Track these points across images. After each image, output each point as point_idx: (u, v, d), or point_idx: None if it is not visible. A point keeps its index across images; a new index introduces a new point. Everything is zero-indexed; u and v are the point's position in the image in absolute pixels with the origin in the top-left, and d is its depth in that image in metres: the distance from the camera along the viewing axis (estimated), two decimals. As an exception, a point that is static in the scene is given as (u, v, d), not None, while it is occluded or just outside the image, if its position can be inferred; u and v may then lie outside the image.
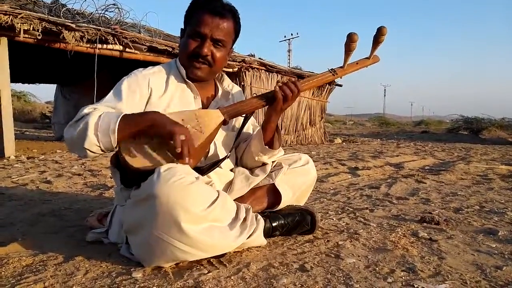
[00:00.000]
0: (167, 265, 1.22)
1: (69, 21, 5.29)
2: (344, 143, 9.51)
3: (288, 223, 1.54)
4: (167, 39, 6.70)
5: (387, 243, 1.52)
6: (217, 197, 1.23)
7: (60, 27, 5.05)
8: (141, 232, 1.21)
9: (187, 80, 1.52)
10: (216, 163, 1.47)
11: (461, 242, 1.56)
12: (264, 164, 1.62)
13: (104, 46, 5.65)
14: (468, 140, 11.51)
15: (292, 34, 41.13)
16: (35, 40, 4.98)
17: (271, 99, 1.49)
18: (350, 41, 1.47)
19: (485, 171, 3.94)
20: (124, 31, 5.86)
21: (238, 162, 1.71)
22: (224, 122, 1.44)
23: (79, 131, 1.24)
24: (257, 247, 1.41)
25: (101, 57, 5.71)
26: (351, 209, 2.14)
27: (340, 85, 10.15)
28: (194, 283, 1.11)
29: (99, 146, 1.24)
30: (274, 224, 1.50)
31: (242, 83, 7.60)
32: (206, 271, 1.19)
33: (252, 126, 1.73)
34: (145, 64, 4.84)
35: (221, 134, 1.56)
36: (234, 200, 1.41)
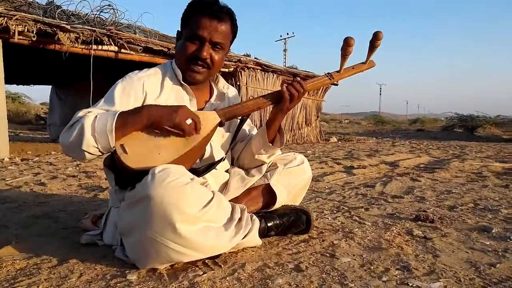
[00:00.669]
0: (162, 266, 1.22)
1: (64, 22, 5.28)
2: (339, 142, 9.53)
3: (283, 223, 1.54)
4: (162, 39, 6.69)
5: (382, 242, 1.52)
6: (212, 197, 1.23)
7: (55, 29, 5.03)
8: (135, 234, 1.21)
9: (182, 82, 1.52)
10: (212, 165, 1.47)
11: (456, 240, 1.56)
12: (261, 164, 1.63)
13: (99, 47, 5.63)
14: (463, 138, 11.57)
15: (287, 34, 41.16)
16: (30, 41, 4.96)
17: (275, 99, 1.49)
18: (346, 45, 1.46)
19: (479, 169, 3.96)
20: (119, 32, 5.85)
21: (234, 163, 1.70)
22: (220, 124, 1.44)
23: (75, 133, 1.24)
24: (252, 247, 1.41)
25: (96, 58, 5.70)
26: (346, 208, 2.14)
27: (336, 84, 10.17)
28: (189, 284, 1.11)
29: (97, 147, 1.23)
30: (269, 224, 1.50)
31: (238, 83, 7.60)
32: (201, 272, 1.19)
33: (248, 127, 1.73)
34: (141, 64, 4.84)
35: (217, 136, 1.56)
36: (229, 200, 1.41)
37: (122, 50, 5.87)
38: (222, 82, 1.71)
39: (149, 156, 1.25)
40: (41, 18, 4.99)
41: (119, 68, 6.84)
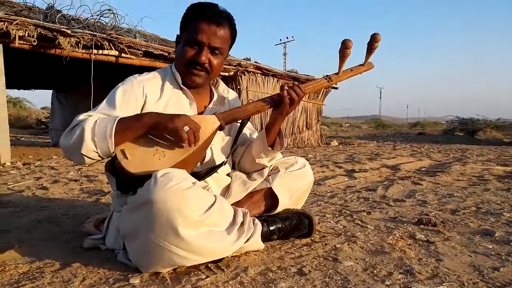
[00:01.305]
0: (164, 270, 1.21)
1: (65, 27, 5.30)
2: (340, 146, 9.53)
3: (286, 226, 1.54)
4: (162, 44, 6.71)
5: (384, 246, 1.52)
6: (214, 201, 1.23)
7: (56, 33, 5.05)
8: (138, 238, 1.21)
9: (182, 86, 1.52)
10: (213, 168, 1.47)
11: (458, 243, 1.56)
12: (262, 167, 1.63)
13: (100, 51, 5.64)
14: (464, 141, 11.57)
15: (287, 38, 41.25)
16: (31, 46, 4.97)
17: (275, 102, 1.50)
18: (344, 47, 1.47)
19: (481, 172, 3.95)
20: (120, 37, 5.86)
21: (235, 166, 1.71)
22: (220, 128, 1.44)
23: (75, 137, 1.24)
24: (255, 251, 1.41)
25: (96, 63, 5.70)
26: (348, 212, 2.14)
27: (336, 88, 10.19)
28: (192, 288, 1.11)
29: (97, 152, 1.24)
30: (271, 228, 1.50)
31: (238, 87, 7.61)
32: (204, 276, 1.19)
33: (249, 130, 1.73)
34: (141, 69, 4.85)
35: (217, 140, 1.56)
36: (231, 204, 1.41)
37: (123, 55, 5.89)
38: (222, 86, 1.71)
39: (150, 161, 1.25)
40: (42, 22, 5.01)
41: (120, 72, 6.86)
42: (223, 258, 1.30)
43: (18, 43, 4.81)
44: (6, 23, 4.56)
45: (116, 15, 6.30)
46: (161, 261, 1.18)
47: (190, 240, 1.15)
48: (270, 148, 1.56)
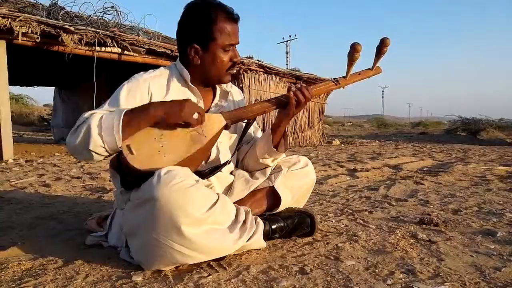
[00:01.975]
0: (167, 268, 1.22)
1: (68, 23, 5.30)
2: (342, 145, 9.52)
3: (288, 225, 1.54)
4: (165, 41, 6.70)
5: (386, 245, 1.52)
6: (217, 200, 1.23)
7: (59, 30, 5.05)
8: (140, 235, 1.21)
9: (191, 84, 1.52)
10: (218, 167, 1.47)
11: (460, 243, 1.56)
12: (265, 167, 1.63)
13: (103, 48, 5.65)
14: (466, 141, 11.54)
15: (290, 36, 41.25)
16: (34, 43, 4.98)
17: (281, 104, 1.50)
18: (353, 51, 1.46)
19: (483, 172, 3.95)
20: (123, 34, 5.87)
21: (238, 165, 1.71)
22: (226, 127, 1.44)
23: (82, 134, 1.24)
24: (257, 249, 1.41)
25: (99, 60, 5.72)
26: (350, 211, 2.14)
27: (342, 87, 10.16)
28: (194, 286, 1.12)
29: (104, 147, 1.23)
30: (273, 227, 1.50)
31: (241, 85, 7.61)
32: (206, 274, 1.20)
33: (253, 128, 1.73)
34: (144, 66, 4.85)
35: (223, 139, 1.56)
36: (233, 202, 1.41)
37: (125, 52, 5.89)
38: None
39: (155, 157, 1.25)
40: (45, 19, 5.01)
41: (122, 70, 6.87)
42: (225, 256, 1.30)
43: (21, 40, 4.82)
44: (9, 19, 4.56)
45: (119, 12, 6.30)
46: (163, 258, 1.18)
47: (192, 238, 1.15)
48: (275, 149, 1.56)
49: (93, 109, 1.36)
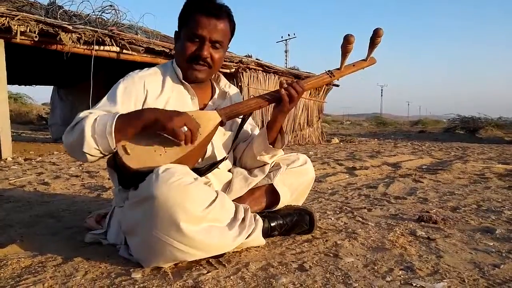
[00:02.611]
0: (166, 265, 1.22)
1: (66, 22, 5.29)
2: (341, 143, 9.52)
3: (287, 223, 1.54)
4: (164, 40, 6.70)
5: (385, 242, 1.52)
6: (216, 197, 1.23)
7: (57, 29, 5.04)
8: (140, 233, 1.21)
9: (183, 81, 1.52)
10: (215, 164, 1.47)
11: (459, 240, 1.56)
12: (263, 164, 1.63)
13: (101, 47, 5.64)
14: (465, 139, 11.55)
15: (289, 35, 41.18)
16: (32, 41, 4.97)
17: (275, 100, 1.49)
18: (346, 43, 1.46)
19: (482, 170, 3.95)
20: (121, 33, 5.86)
21: (236, 163, 1.71)
22: (221, 123, 1.43)
23: (76, 136, 1.24)
24: (256, 247, 1.41)
25: (98, 59, 5.70)
26: (349, 209, 2.14)
27: (337, 85, 10.18)
28: (193, 283, 1.12)
29: (98, 149, 1.23)
30: (272, 224, 1.50)
31: (240, 84, 7.61)
32: (205, 271, 1.20)
33: (250, 126, 1.73)
34: (143, 65, 4.84)
35: (219, 135, 1.56)
36: (232, 200, 1.41)
37: (124, 51, 5.88)
38: (223, 81, 1.71)
39: (151, 156, 1.25)
40: (43, 18, 5.00)
41: (121, 69, 6.85)
42: (225, 254, 1.31)
43: (20, 39, 4.81)
44: (7, 18, 4.56)
45: (117, 11, 6.30)
46: (162, 256, 1.18)
47: (191, 235, 1.15)
48: (271, 146, 1.56)
49: (90, 108, 1.36)
